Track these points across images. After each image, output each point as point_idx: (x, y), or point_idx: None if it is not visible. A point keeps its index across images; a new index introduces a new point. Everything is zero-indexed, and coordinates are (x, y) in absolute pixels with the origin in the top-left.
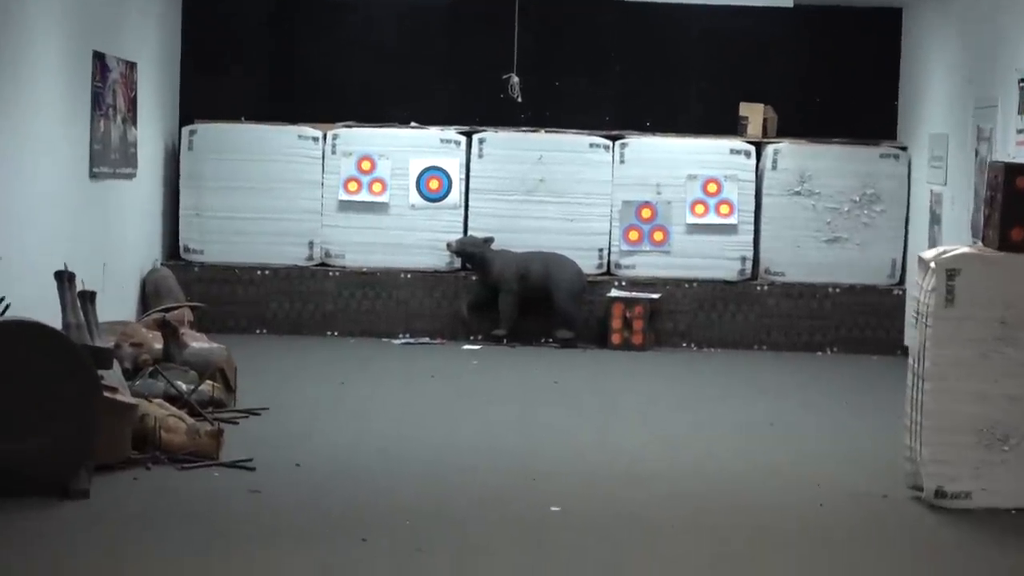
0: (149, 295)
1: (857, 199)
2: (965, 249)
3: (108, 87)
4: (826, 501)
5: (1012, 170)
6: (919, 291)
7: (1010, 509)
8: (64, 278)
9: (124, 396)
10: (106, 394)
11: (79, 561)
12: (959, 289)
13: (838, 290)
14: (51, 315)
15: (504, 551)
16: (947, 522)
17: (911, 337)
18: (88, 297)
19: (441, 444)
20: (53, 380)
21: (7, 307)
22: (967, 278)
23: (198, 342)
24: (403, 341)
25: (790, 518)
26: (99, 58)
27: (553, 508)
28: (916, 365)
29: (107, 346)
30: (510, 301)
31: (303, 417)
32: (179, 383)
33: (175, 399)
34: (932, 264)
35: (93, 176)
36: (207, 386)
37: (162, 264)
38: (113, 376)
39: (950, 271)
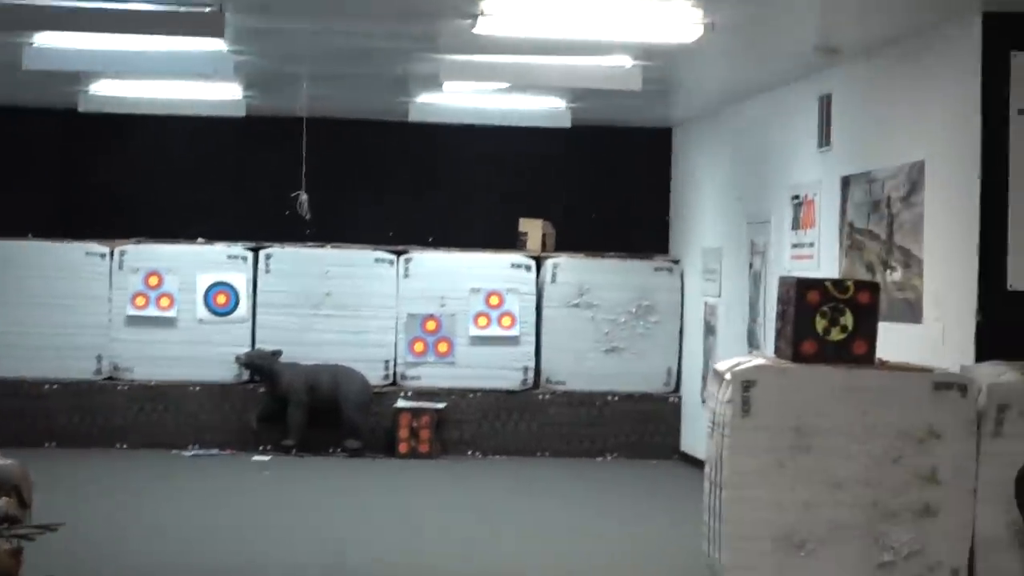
0: None
1: (633, 310)
2: (759, 361)
3: None
4: None
5: (803, 284)
6: (715, 402)
7: None
8: None
9: None
10: None
11: None
12: (755, 400)
13: (616, 398)
14: None
15: None
16: None
17: (704, 448)
18: None
19: (244, 560)
20: None
21: None
22: (762, 389)
23: None
24: (193, 452)
25: None
26: None
27: None
28: (713, 473)
29: None
30: (299, 412)
31: (100, 533)
32: None
33: None
34: (728, 376)
35: None
36: (1, 502)
37: None
38: None
39: (746, 383)
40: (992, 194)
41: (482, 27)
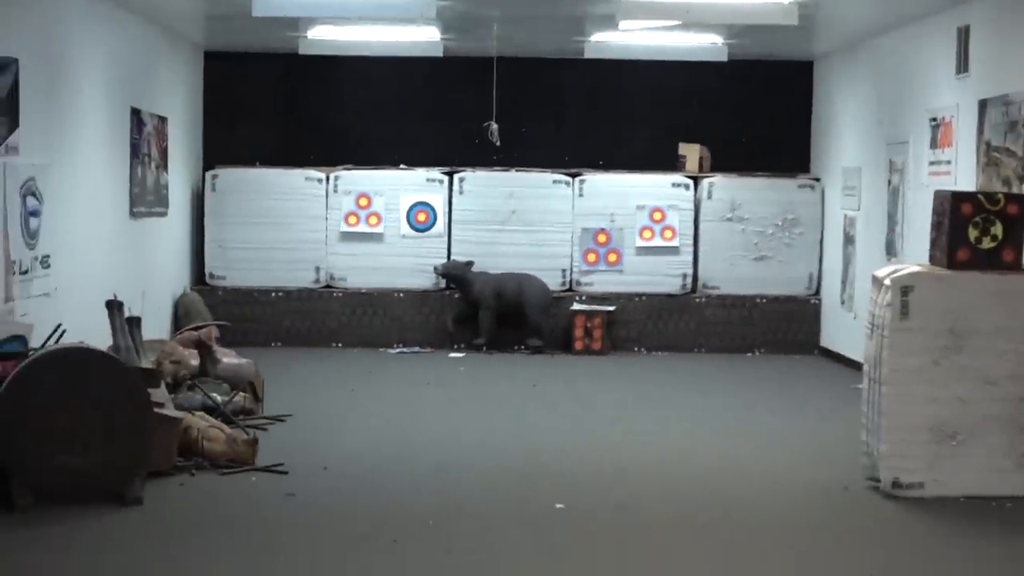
0: (180, 316)
1: (779, 223)
2: (916, 268)
3: (144, 138)
4: (793, 492)
5: (958, 198)
6: (874, 306)
7: (958, 496)
8: (114, 306)
9: (170, 410)
10: (155, 410)
11: (135, 561)
12: (912, 304)
13: (764, 300)
14: (101, 339)
15: (521, 548)
16: (904, 509)
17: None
18: (134, 322)
19: (448, 445)
20: (110, 400)
21: (63, 333)
22: (919, 294)
23: (229, 358)
24: (398, 351)
25: (766, 510)
26: (136, 113)
27: (558, 505)
28: (872, 371)
29: (155, 367)
30: (488, 315)
31: (323, 422)
32: (215, 395)
33: (211, 410)
34: (887, 282)
35: (133, 215)
36: (239, 397)
37: (191, 289)
38: (160, 392)
39: (904, 288)
40: None
41: None
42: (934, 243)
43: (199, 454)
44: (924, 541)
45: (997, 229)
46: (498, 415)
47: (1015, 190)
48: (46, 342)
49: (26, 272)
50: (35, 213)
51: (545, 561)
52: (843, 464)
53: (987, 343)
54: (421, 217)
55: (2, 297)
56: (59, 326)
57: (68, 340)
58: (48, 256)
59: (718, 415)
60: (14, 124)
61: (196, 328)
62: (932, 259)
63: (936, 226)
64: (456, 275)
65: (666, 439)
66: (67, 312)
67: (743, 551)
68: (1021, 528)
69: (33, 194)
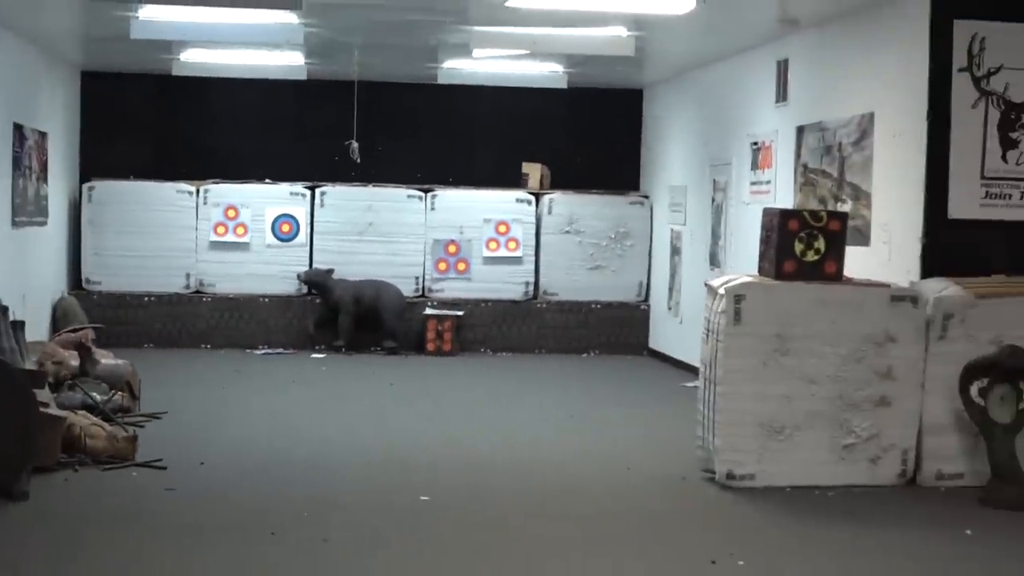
0: (59, 318)
1: (612, 236)
2: (747, 278)
3: (25, 152)
4: (635, 483)
5: (786, 215)
6: (709, 312)
7: (785, 487)
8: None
9: (53, 409)
10: (40, 409)
11: (22, 554)
12: (744, 311)
13: (599, 306)
14: None
15: (392, 537)
16: (737, 498)
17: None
18: (18, 326)
19: (315, 440)
20: None
21: None
22: (750, 302)
23: (107, 359)
24: (263, 352)
25: (613, 498)
26: (18, 128)
27: (423, 497)
28: (708, 372)
29: (40, 368)
30: (347, 319)
31: (197, 419)
32: (94, 394)
33: (91, 408)
34: (721, 291)
35: (15, 224)
36: (118, 396)
37: (68, 294)
38: (44, 393)
39: (737, 296)
40: (936, 138)
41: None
42: (763, 255)
43: (82, 451)
44: (757, 527)
45: (820, 243)
46: (359, 411)
47: (831, 208)
48: None
49: None
50: None
51: (415, 549)
52: (679, 456)
53: (810, 346)
54: (285, 228)
55: None
56: None
57: None
58: None
59: (560, 410)
60: None
61: (74, 330)
62: (761, 270)
63: (765, 240)
64: (318, 282)
65: (515, 433)
66: None
67: (594, 537)
68: (840, 514)
69: None
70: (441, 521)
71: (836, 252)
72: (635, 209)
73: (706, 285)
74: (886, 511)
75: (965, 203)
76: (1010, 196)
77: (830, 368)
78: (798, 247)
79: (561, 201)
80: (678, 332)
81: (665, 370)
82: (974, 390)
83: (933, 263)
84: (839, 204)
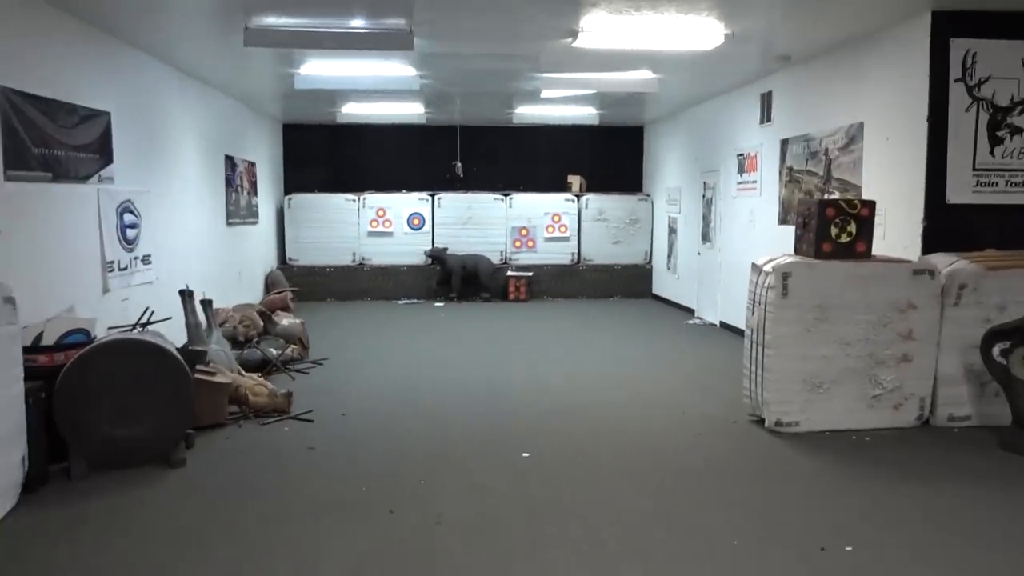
0: (269, 284)
1: (627, 221)
2: (790, 258)
3: (236, 175)
4: (697, 427)
5: (823, 204)
6: (755, 287)
7: (824, 431)
8: (185, 294)
9: (222, 376)
10: (207, 377)
11: (182, 513)
12: (791, 286)
13: (619, 267)
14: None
15: (497, 489)
16: (784, 441)
17: (746, 319)
18: (207, 304)
19: (434, 383)
20: (157, 381)
21: (152, 314)
22: (796, 278)
23: (286, 319)
24: (403, 302)
25: (682, 442)
26: (229, 159)
27: (524, 454)
28: (756, 336)
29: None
30: (458, 279)
31: (349, 362)
32: (270, 349)
33: (267, 362)
34: (768, 268)
35: (229, 224)
36: (290, 349)
37: (276, 268)
38: (222, 358)
39: (784, 274)
40: (936, 137)
41: (580, 42)
42: (800, 239)
43: (248, 405)
44: (803, 464)
45: (852, 227)
46: (466, 353)
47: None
48: (137, 321)
49: (125, 268)
50: (132, 225)
51: (514, 496)
52: (722, 400)
53: (844, 314)
54: (415, 222)
55: (100, 287)
56: (147, 309)
57: (161, 316)
58: (149, 255)
59: (618, 349)
60: (108, 160)
61: (278, 292)
62: (797, 251)
63: (803, 226)
64: (437, 255)
65: (585, 370)
66: (168, 295)
67: (678, 476)
68: (870, 452)
69: (130, 211)
70: (539, 476)
71: (866, 234)
72: (642, 204)
73: (753, 265)
74: (911, 448)
75: (960, 190)
76: (997, 184)
77: (861, 332)
78: (833, 231)
79: (594, 200)
80: (675, 284)
81: (667, 310)
82: (996, 351)
83: (932, 242)
84: (826, 195)
